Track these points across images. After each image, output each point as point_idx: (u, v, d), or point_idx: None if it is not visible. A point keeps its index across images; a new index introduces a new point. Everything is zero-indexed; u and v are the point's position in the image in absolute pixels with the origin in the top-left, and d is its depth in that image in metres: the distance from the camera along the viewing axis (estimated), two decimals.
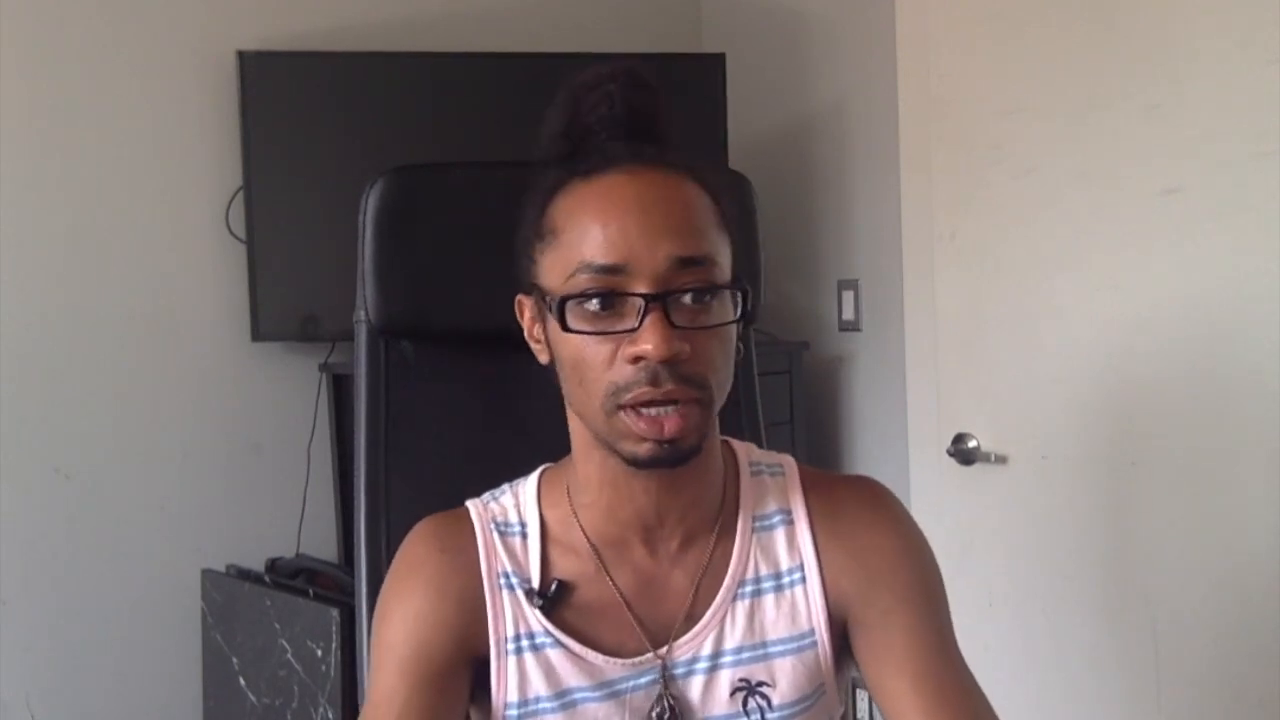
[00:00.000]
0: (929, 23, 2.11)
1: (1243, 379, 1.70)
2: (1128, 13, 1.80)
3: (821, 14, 2.61)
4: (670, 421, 0.85)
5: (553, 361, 0.92)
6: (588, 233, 0.85)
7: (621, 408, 0.85)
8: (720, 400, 0.90)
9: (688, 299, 0.85)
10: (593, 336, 0.86)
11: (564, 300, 0.85)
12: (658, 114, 0.92)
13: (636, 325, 0.84)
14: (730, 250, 0.91)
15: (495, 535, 0.97)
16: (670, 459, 0.87)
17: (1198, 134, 1.72)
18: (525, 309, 0.94)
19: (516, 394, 1.32)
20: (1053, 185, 1.92)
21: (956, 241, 2.09)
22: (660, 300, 0.83)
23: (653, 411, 0.85)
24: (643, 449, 0.86)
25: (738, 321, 0.89)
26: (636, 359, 0.84)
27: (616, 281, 0.84)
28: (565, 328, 0.86)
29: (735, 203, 0.95)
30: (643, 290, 0.83)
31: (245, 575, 2.34)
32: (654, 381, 0.84)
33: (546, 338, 0.92)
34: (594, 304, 0.85)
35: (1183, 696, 1.81)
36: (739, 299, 0.89)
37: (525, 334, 0.95)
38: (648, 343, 0.83)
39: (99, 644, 2.37)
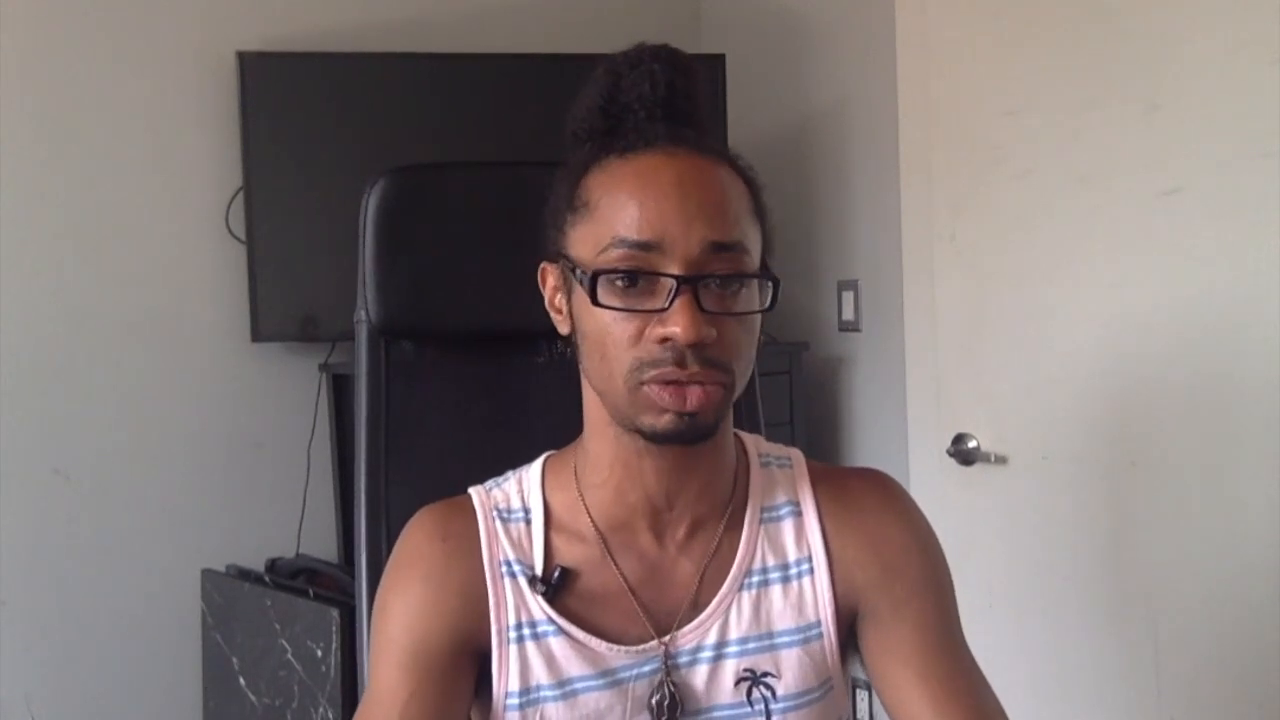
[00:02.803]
0: (929, 23, 2.11)
1: (1243, 379, 1.70)
2: (1128, 13, 1.80)
3: (821, 14, 2.61)
4: (694, 394, 0.85)
5: (572, 333, 0.92)
6: (623, 208, 0.85)
7: (644, 383, 0.86)
8: (741, 386, 0.90)
9: (717, 284, 0.85)
10: (620, 313, 0.86)
11: (596, 274, 0.85)
12: (696, 97, 0.92)
13: (666, 305, 0.84)
14: (761, 240, 0.91)
15: (497, 522, 0.97)
16: (690, 433, 0.87)
17: (1198, 134, 1.72)
18: (549, 277, 0.94)
19: (516, 393, 1.32)
20: (1052, 186, 1.92)
21: (956, 242, 2.09)
22: (691, 283, 0.83)
23: (678, 379, 0.85)
24: (663, 421, 0.86)
25: (765, 311, 0.89)
26: (664, 339, 0.84)
27: (649, 259, 0.84)
28: (595, 301, 0.86)
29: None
30: (675, 271, 0.84)
31: (245, 575, 2.34)
32: (679, 362, 0.84)
33: (569, 309, 0.92)
34: (623, 280, 0.85)
35: (1183, 696, 1.80)
36: (768, 288, 0.89)
37: (546, 302, 0.95)
38: (676, 325, 0.83)
39: (99, 644, 2.37)
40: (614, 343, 0.86)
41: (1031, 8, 1.95)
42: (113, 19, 2.37)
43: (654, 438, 0.88)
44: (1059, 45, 1.90)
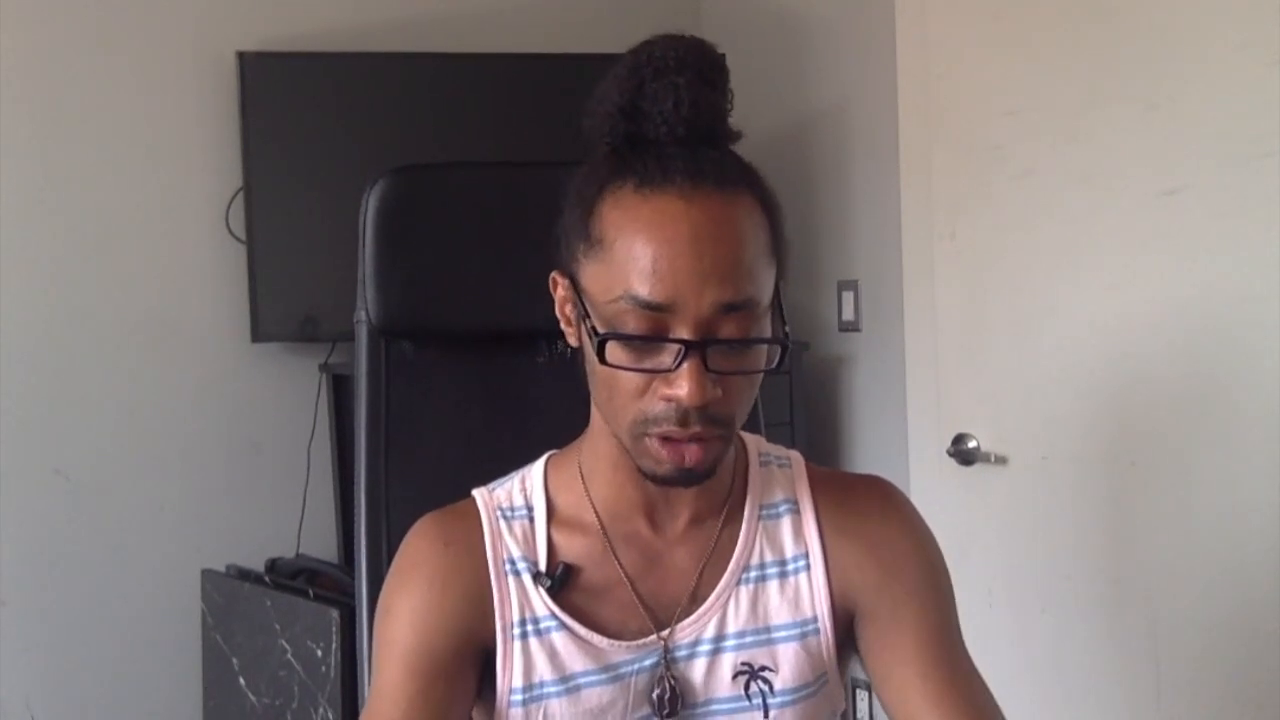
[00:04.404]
0: (929, 23, 2.11)
1: (1243, 379, 1.70)
2: (1128, 14, 1.80)
3: (821, 14, 2.61)
4: (692, 452, 0.86)
5: (580, 347, 0.92)
6: (636, 260, 0.83)
7: (647, 435, 0.87)
8: (741, 425, 0.91)
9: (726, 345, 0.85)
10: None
11: (604, 339, 0.85)
12: (720, 112, 0.89)
13: (673, 366, 0.83)
14: (777, 270, 0.89)
15: (501, 521, 0.98)
16: (688, 480, 0.89)
17: (1198, 134, 1.72)
18: (559, 286, 0.93)
19: (517, 393, 1.32)
20: (1053, 185, 1.92)
21: (956, 242, 2.09)
22: (700, 348, 0.83)
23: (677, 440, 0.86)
24: (662, 470, 0.88)
25: (773, 371, 0.89)
26: (669, 398, 0.84)
27: (659, 318, 0.83)
28: (603, 360, 0.85)
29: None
30: (684, 335, 0.83)
31: (245, 575, 2.34)
32: (683, 422, 0.84)
33: (579, 331, 0.91)
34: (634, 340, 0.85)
35: (1183, 696, 1.81)
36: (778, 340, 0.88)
37: (556, 308, 0.94)
38: (682, 389, 0.83)
39: (99, 644, 2.37)
40: (621, 391, 0.86)
41: (1031, 8, 1.95)
42: (112, 19, 2.37)
43: (654, 480, 0.90)
44: (1059, 45, 1.90)
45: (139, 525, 2.40)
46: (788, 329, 0.90)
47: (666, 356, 0.84)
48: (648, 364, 0.85)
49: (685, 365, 0.83)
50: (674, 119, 0.86)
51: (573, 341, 0.94)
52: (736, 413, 0.88)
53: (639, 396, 0.86)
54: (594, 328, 0.86)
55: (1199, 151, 1.72)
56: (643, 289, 0.83)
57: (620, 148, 0.88)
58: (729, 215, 0.85)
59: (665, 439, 0.86)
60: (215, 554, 2.42)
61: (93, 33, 2.36)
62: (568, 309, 0.92)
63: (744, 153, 0.93)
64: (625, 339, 0.84)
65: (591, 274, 0.87)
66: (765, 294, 0.87)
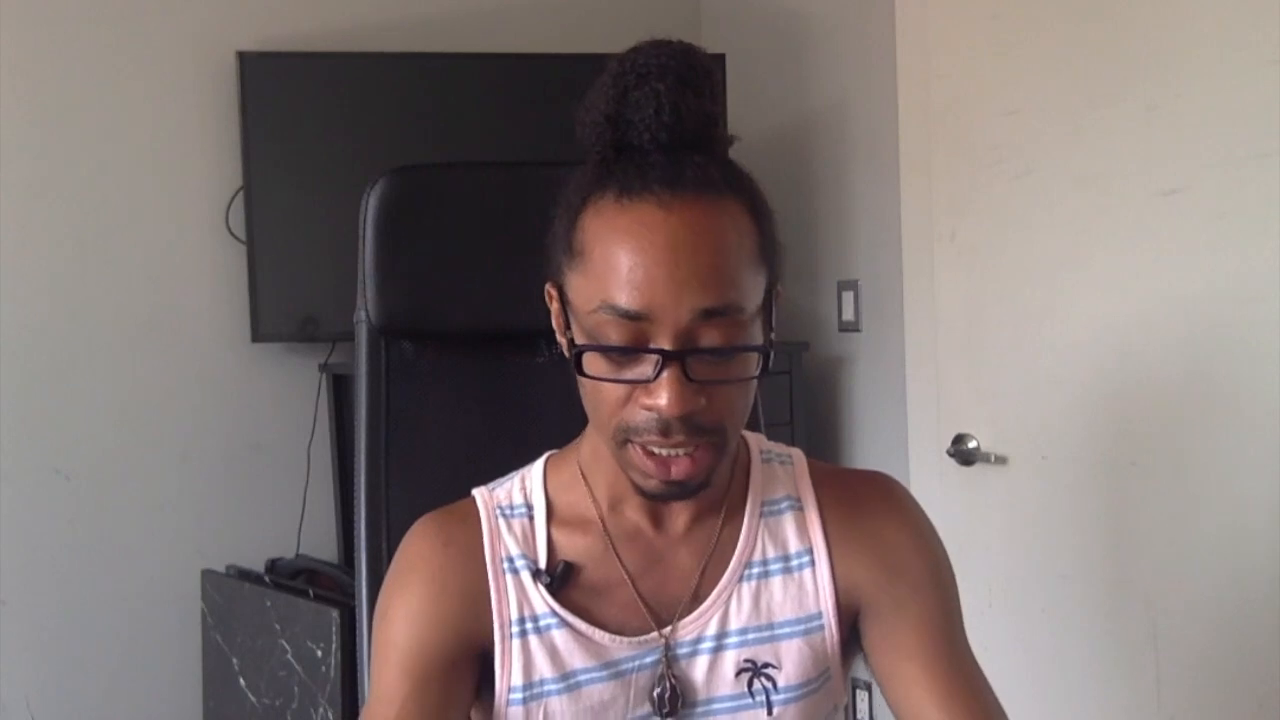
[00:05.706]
0: (929, 23, 2.11)
1: (1243, 379, 1.70)
2: (1127, 13, 1.81)
3: (821, 14, 2.61)
4: (679, 465, 0.85)
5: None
6: (614, 269, 0.83)
7: (630, 443, 0.86)
8: (736, 435, 0.90)
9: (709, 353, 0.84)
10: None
11: (580, 351, 0.85)
12: (706, 117, 0.88)
13: (653, 376, 0.83)
14: (767, 277, 0.88)
15: (500, 520, 0.98)
16: (678, 495, 0.89)
17: (1198, 134, 1.72)
18: (554, 298, 0.92)
19: (517, 393, 1.32)
20: (1052, 185, 1.92)
21: (956, 242, 2.09)
22: (679, 357, 0.82)
23: (662, 452, 0.85)
24: (649, 484, 0.87)
25: (757, 377, 0.87)
26: (650, 408, 0.84)
27: (637, 327, 0.83)
28: (581, 373, 0.85)
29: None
30: (663, 345, 0.82)
31: (245, 576, 2.34)
32: (665, 432, 0.84)
33: (569, 341, 0.91)
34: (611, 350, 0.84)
35: (1183, 696, 1.80)
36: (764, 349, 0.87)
37: (553, 319, 0.94)
38: (661, 399, 0.82)
39: (99, 644, 2.37)
40: (603, 401, 0.86)
41: (1031, 8, 1.95)
42: (112, 19, 2.37)
43: (643, 494, 0.89)
44: (1059, 45, 1.90)
45: (139, 525, 2.40)
46: (773, 336, 0.89)
47: (647, 366, 0.83)
48: (628, 374, 0.84)
49: (664, 375, 0.82)
50: (655, 125, 0.85)
51: (566, 353, 0.93)
52: (726, 421, 0.86)
53: (621, 406, 0.85)
54: (572, 339, 0.86)
55: (1199, 151, 1.72)
56: (620, 298, 0.82)
57: (607, 155, 0.87)
58: (709, 222, 0.83)
59: (648, 451, 0.85)
60: (215, 554, 2.42)
61: (93, 33, 2.36)
62: (561, 320, 0.92)
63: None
64: (602, 350, 0.84)
65: (574, 285, 0.87)
66: (751, 300, 0.85)
